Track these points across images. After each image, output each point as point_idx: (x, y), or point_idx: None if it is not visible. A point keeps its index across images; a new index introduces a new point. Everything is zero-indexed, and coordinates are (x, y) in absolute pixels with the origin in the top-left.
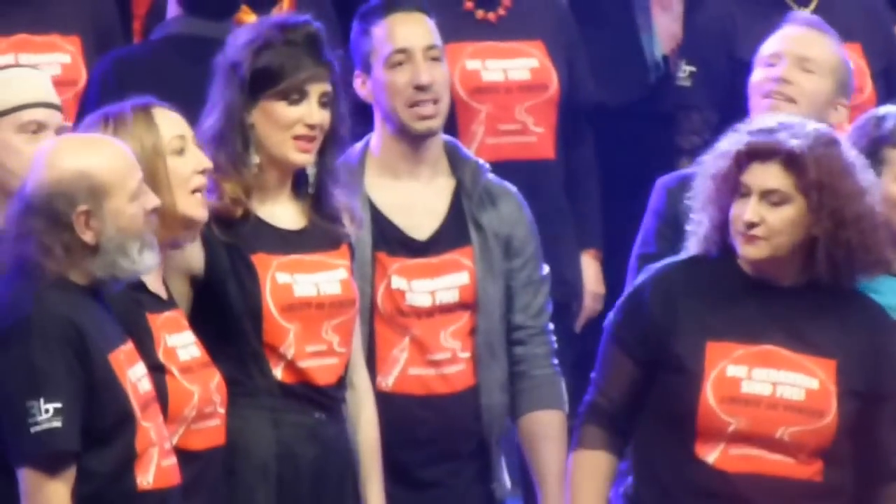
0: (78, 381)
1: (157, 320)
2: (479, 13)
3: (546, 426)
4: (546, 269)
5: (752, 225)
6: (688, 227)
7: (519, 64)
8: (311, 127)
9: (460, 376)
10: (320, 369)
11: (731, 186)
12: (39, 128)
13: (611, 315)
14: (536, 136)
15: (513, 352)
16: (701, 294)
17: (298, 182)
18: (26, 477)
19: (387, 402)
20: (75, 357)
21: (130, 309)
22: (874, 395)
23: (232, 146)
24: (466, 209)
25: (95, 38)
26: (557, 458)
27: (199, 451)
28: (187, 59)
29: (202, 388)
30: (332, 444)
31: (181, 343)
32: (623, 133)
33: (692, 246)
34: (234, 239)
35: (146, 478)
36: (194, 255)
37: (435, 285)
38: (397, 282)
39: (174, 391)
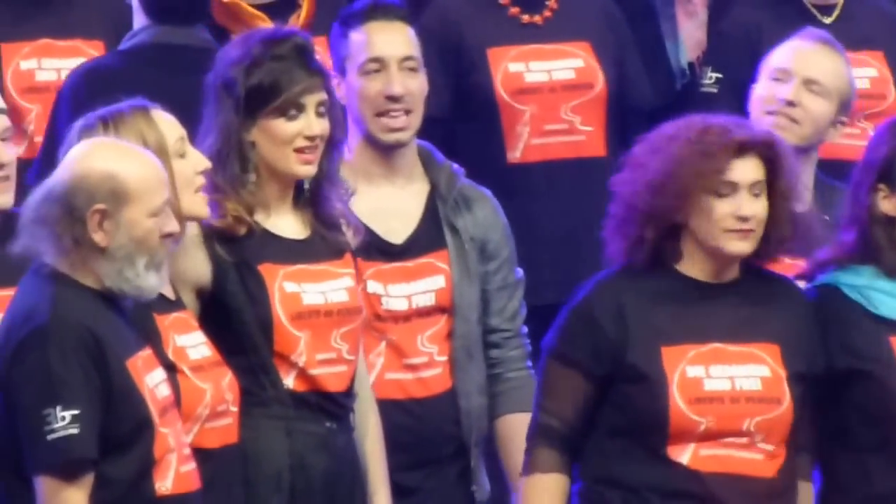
0: (95, 388)
1: (165, 321)
2: (525, 17)
3: (521, 428)
4: (521, 272)
5: (747, 219)
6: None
7: (563, 64)
8: (312, 139)
9: (438, 380)
10: (331, 377)
11: (710, 188)
12: None
13: (550, 336)
14: (585, 135)
15: (488, 355)
16: (646, 302)
17: (299, 192)
18: (43, 485)
19: None
20: (92, 364)
21: (138, 310)
22: (812, 376)
23: (231, 167)
24: (441, 213)
25: (118, 43)
26: None
27: (214, 449)
28: (159, 68)
29: (214, 386)
30: (343, 454)
31: (191, 343)
32: None
33: (617, 257)
34: (239, 254)
35: (165, 483)
36: (201, 268)
37: (411, 289)
38: (373, 286)
39: (186, 390)
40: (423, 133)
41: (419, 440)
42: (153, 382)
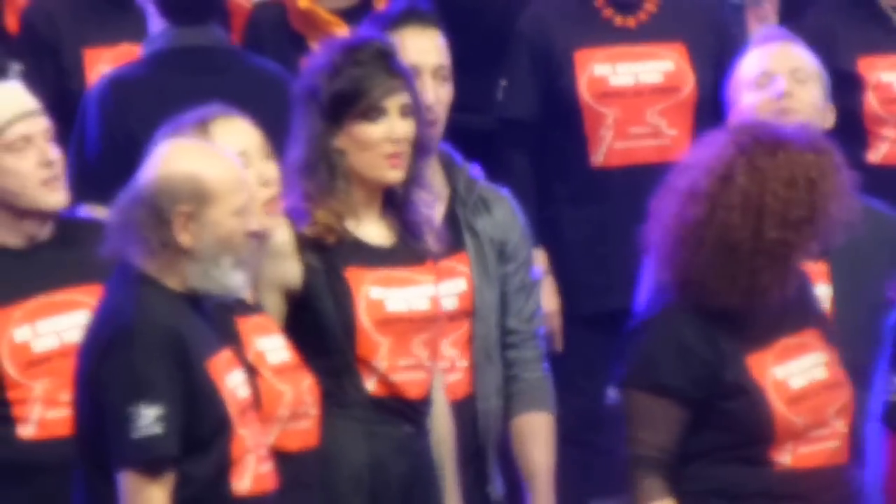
0: (178, 388)
1: (245, 323)
2: (618, 19)
3: (536, 428)
4: (539, 273)
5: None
6: None
7: (651, 67)
8: (397, 141)
9: (459, 385)
10: (411, 383)
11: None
12: (26, 141)
13: (630, 367)
14: (670, 139)
15: (505, 356)
16: (720, 315)
17: (386, 198)
18: (126, 481)
19: None
20: (175, 364)
21: (218, 313)
22: None
23: (320, 175)
24: (461, 216)
25: None
26: (546, 458)
27: (294, 451)
28: (180, 72)
29: (294, 389)
30: (421, 458)
31: (271, 346)
32: None
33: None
34: (328, 261)
35: (242, 483)
36: (291, 271)
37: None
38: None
39: (266, 392)
40: (512, 137)
41: None
42: (232, 383)
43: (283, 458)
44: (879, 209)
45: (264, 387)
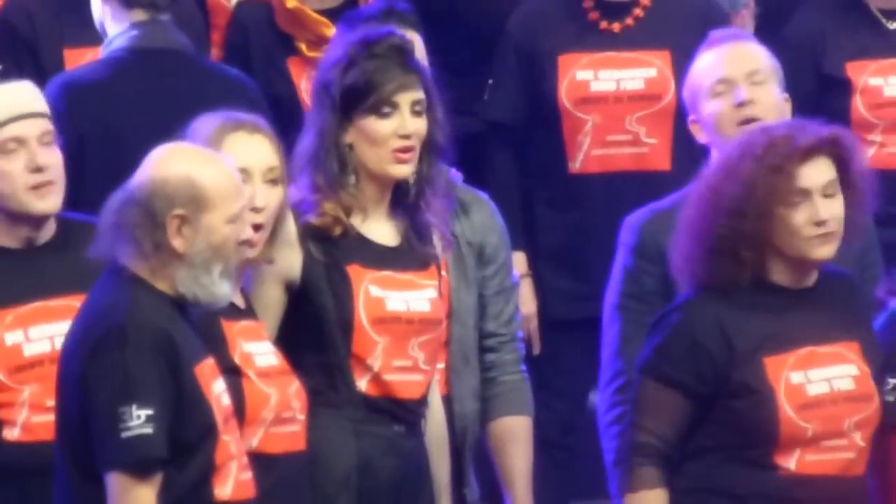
0: (168, 390)
1: (232, 327)
2: (604, 24)
3: (514, 431)
4: (517, 276)
5: (824, 223)
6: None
7: (634, 74)
8: (407, 137)
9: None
10: (405, 384)
11: (783, 201)
12: (18, 143)
13: (646, 357)
14: (649, 147)
15: (483, 359)
16: (742, 316)
17: (396, 198)
18: (115, 481)
19: None
20: (167, 366)
21: (204, 318)
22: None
23: (329, 167)
24: None
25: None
26: (525, 462)
27: (278, 454)
28: (136, 75)
29: (280, 392)
30: (411, 458)
31: (259, 351)
32: None
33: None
34: (331, 253)
35: (224, 490)
36: (293, 263)
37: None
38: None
39: (251, 393)
40: (495, 139)
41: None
42: (217, 390)
43: (266, 461)
44: None
45: (250, 388)
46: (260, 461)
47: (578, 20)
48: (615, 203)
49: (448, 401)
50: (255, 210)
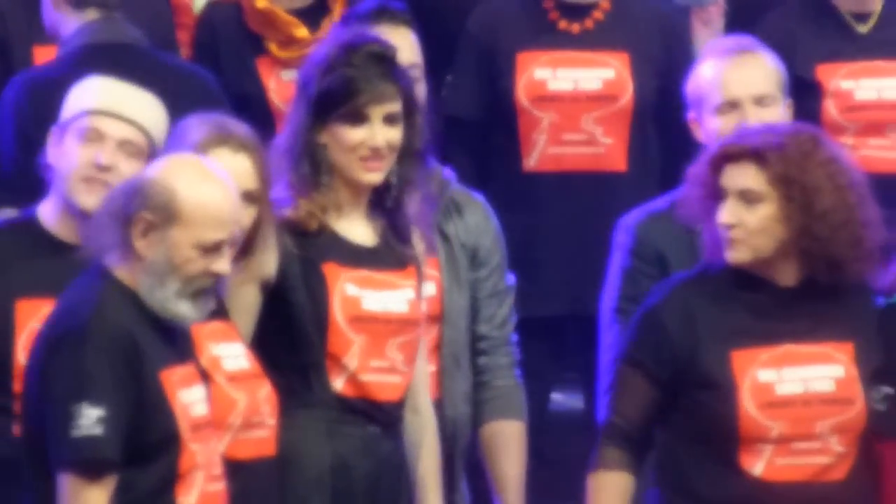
0: (126, 393)
1: (202, 329)
2: (563, 24)
3: (507, 436)
4: (512, 279)
5: (730, 227)
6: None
7: (592, 74)
8: (376, 148)
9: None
10: (382, 385)
11: (711, 193)
12: (97, 135)
13: (623, 338)
14: (605, 147)
15: (476, 362)
16: (714, 306)
17: (375, 199)
18: (65, 481)
19: None
20: (127, 368)
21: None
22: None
23: (303, 166)
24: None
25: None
26: (517, 467)
27: (246, 460)
28: (96, 69)
29: (249, 397)
30: (387, 459)
31: (229, 353)
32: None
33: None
34: (307, 249)
35: (188, 499)
36: (269, 262)
37: None
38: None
39: (218, 398)
40: (453, 135)
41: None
42: (189, 398)
43: (234, 467)
44: None
45: (217, 393)
46: (227, 467)
47: (538, 19)
48: (569, 202)
49: (439, 404)
50: None
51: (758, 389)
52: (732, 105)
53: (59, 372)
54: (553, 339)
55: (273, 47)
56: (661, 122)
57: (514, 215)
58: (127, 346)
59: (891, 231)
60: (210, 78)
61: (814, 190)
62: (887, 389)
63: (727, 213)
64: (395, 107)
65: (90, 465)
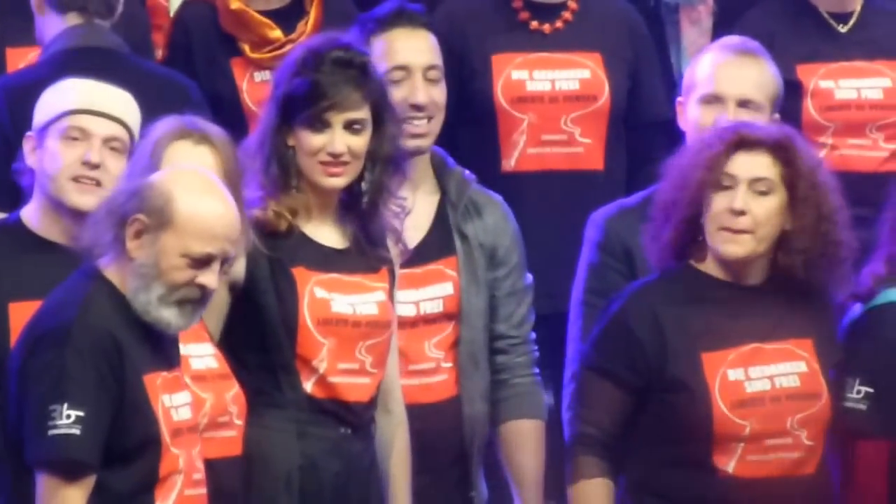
0: (107, 394)
1: None
2: (534, 24)
3: (525, 435)
4: (530, 278)
5: (739, 213)
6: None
7: (569, 75)
8: (336, 155)
9: (443, 386)
10: (351, 387)
11: (711, 179)
12: (83, 135)
13: (586, 348)
14: (583, 147)
15: (495, 361)
16: (681, 309)
17: (348, 203)
18: (42, 480)
19: None
20: (109, 370)
21: None
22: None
23: (271, 168)
24: (451, 220)
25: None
26: (536, 465)
27: (212, 459)
28: (76, 73)
29: (216, 397)
30: (356, 460)
31: (197, 353)
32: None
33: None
34: (276, 251)
35: (166, 503)
36: (238, 263)
37: (419, 296)
38: None
39: None
40: None
41: (421, 446)
42: (173, 403)
43: None
44: None
45: None
46: None
47: (508, 20)
48: (547, 202)
49: (457, 403)
50: None
51: (728, 389)
52: (717, 99)
53: (40, 371)
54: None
55: (246, 48)
56: (627, 123)
57: None
58: (109, 348)
59: (869, 231)
60: (192, 85)
61: (825, 189)
62: (867, 388)
63: (740, 200)
64: (359, 114)
65: (66, 465)
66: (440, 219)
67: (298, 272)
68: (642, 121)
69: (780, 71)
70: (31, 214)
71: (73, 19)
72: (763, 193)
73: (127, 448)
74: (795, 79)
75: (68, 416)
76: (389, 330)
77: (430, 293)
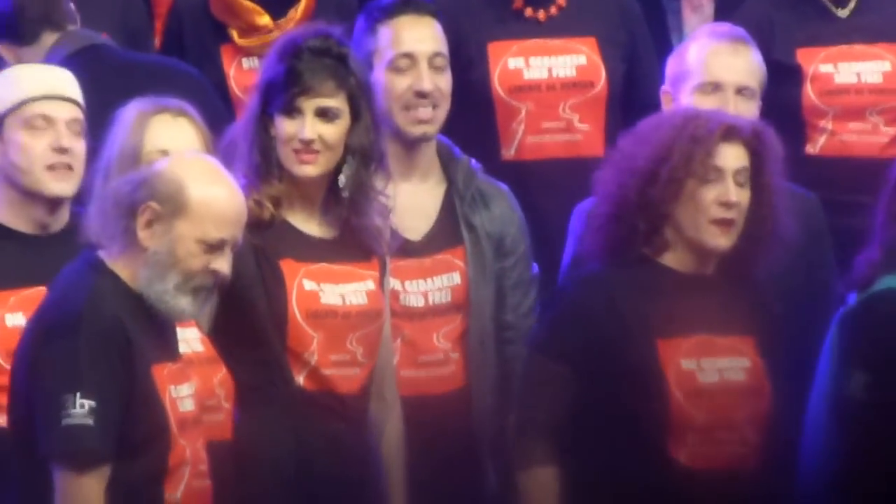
0: (118, 385)
1: None
2: (528, 11)
3: None
4: (537, 268)
5: (732, 206)
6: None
7: (565, 61)
8: (306, 142)
9: (451, 377)
10: (343, 378)
11: (698, 173)
12: (46, 121)
13: (537, 332)
14: (582, 134)
15: (503, 351)
16: (637, 296)
17: (333, 191)
18: (59, 472)
19: None
20: (120, 360)
21: None
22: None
23: (253, 157)
24: (458, 210)
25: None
26: None
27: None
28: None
29: (203, 381)
30: (352, 453)
31: (183, 337)
32: None
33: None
34: (262, 242)
35: (175, 494)
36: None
37: (428, 286)
38: (391, 282)
39: None
40: None
41: (430, 437)
42: (179, 394)
43: None
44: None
45: None
46: None
47: (503, 8)
48: (549, 189)
49: (466, 393)
50: None
51: (682, 378)
52: (715, 87)
53: (52, 362)
54: None
55: (235, 35)
56: (625, 106)
57: None
58: (119, 339)
59: (867, 218)
60: (190, 72)
61: (779, 179)
62: (867, 377)
63: (733, 192)
64: (331, 102)
65: (80, 456)
66: (447, 209)
67: (286, 264)
68: (639, 102)
69: (779, 56)
70: None
71: (48, 39)
72: (742, 185)
73: (137, 439)
74: (795, 63)
75: (81, 406)
76: (380, 319)
77: (438, 283)
